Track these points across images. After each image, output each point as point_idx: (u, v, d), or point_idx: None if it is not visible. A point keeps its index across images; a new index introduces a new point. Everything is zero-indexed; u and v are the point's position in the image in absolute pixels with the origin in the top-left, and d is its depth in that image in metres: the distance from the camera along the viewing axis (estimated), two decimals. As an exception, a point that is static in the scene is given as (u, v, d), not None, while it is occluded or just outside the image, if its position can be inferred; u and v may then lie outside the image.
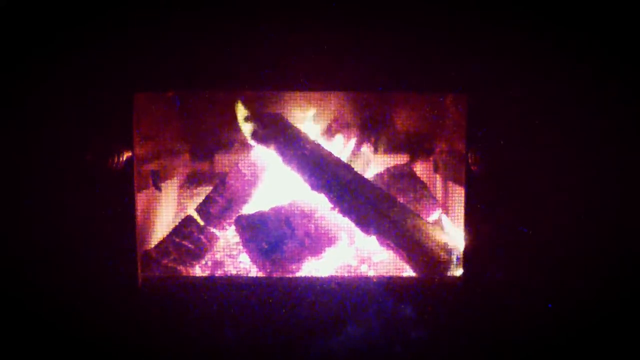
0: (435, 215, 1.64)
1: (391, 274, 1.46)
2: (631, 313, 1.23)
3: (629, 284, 1.24)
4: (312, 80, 1.25)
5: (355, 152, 1.72)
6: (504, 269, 1.25)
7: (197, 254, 1.50)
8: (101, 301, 1.22)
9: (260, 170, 1.60)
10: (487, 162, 1.22)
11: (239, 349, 1.22)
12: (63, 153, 1.20)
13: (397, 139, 1.79)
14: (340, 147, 1.69)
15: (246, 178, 1.59)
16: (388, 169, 1.73)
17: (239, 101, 1.56)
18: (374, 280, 1.31)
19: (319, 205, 1.51)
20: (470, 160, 1.24)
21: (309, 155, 1.47)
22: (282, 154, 1.50)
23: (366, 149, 1.75)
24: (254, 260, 1.45)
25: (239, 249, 1.61)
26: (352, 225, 1.44)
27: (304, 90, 1.48)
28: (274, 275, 1.41)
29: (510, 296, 1.25)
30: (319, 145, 1.53)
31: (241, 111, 1.56)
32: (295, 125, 1.57)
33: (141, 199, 1.34)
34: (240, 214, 1.53)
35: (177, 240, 1.48)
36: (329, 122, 1.70)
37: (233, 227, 1.52)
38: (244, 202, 1.59)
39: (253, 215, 1.50)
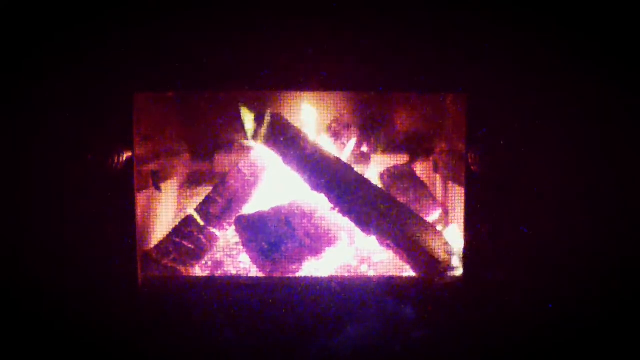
0: (435, 215, 1.64)
1: (391, 274, 1.46)
2: (631, 313, 1.23)
3: (630, 283, 1.24)
4: (312, 80, 1.25)
5: (355, 152, 1.72)
6: (504, 269, 1.25)
7: (197, 254, 1.50)
8: (101, 301, 1.22)
9: (260, 170, 1.60)
10: (487, 162, 1.22)
11: (239, 349, 1.22)
12: (63, 153, 1.20)
13: (397, 139, 1.79)
14: (340, 147, 1.69)
15: (246, 178, 1.59)
16: (388, 169, 1.73)
17: (240, 102, 1.56)
18: (374, 280, 1.31)
19: (319, 205, 1.51)
20: (470, 160, 1.24)
21: (309, 156, 1.47)
22: (282, 154, 1.50)
23: (366, 148, 1.75)
24: (254, 260, 1.45)
25: (239, 249, 1.61)
26: (352, 225, 1.44)
27: (304, 90, 1.48)
28: (274, 275, 1.41)
29: (510, 296, 1.25)
30: (319, 145, 1.53)
31: (242, 112, 1.56)
32: (295, 125, 1.57)
33: (141, 199, 1.34)
34: (240, 214, 1.53)
35: (177, 240, 1.48)
36: (329, 122, 1.70)
37: (233, 227, 1.52)
38: (244, 202, 1.59)
39: (253, 215, 1.50)
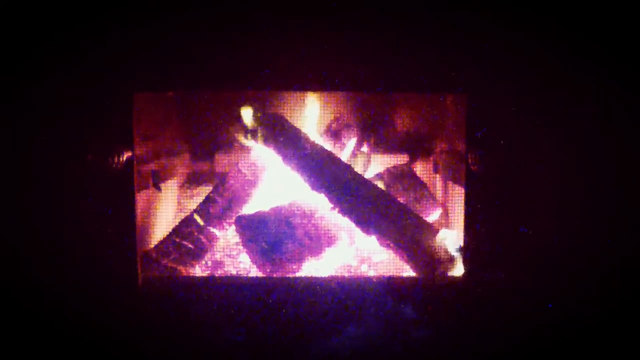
0: (435, 215, 1.64)
1: (391, 274, 1.46)
2: (631, 313, 1.23)
3: (630, 283, 1.24)
4: (313, 80, 1.25)
5: (355, 152, 1.72)
6: (504, 268, 1.25)
7: (197, 254, 1.50)
8: (101, 301, 1.22)
9: (260, 170, 1.60)
10: (487, 162, 1.22)
11: (239, 349, 1.22)
12: (63, 153, 1.20)
13: (397, 139, 1.79)
14: (340, 147, 1.69)
15: (246, 178, 1.59)
16: (388, 169, 1.73)
17: (240, 102, 1.56)
18: (374, 280, 1.31)
19: (319, 205, 1.51)
20: (470, 160, 1.24)
21: (309, 156, 1.47)
22: (282, 154, 1.50)
23: (366, 148, 1.75)
24: (254, 260, 1.45)
25: (239, 249, 1.61)
26: (352, 225, 1.44)
27: (304, 90, 1.48)
28: (274, 275, 1.41)
29: (511, 296, 1.25)
30: (319, 145, 1.53)
31: (242, 112, 1.56)
32: (295, 125, 1.57)
33: (141, 199, 1.34)
34: (240, 214, 1.53)
35: (177, 240, 1.48)
36: (329, 122, 1.70)
37: (233, 227, 1.52)
38: (244, 202, 1.59)
39: (253, 215, 1.50)
